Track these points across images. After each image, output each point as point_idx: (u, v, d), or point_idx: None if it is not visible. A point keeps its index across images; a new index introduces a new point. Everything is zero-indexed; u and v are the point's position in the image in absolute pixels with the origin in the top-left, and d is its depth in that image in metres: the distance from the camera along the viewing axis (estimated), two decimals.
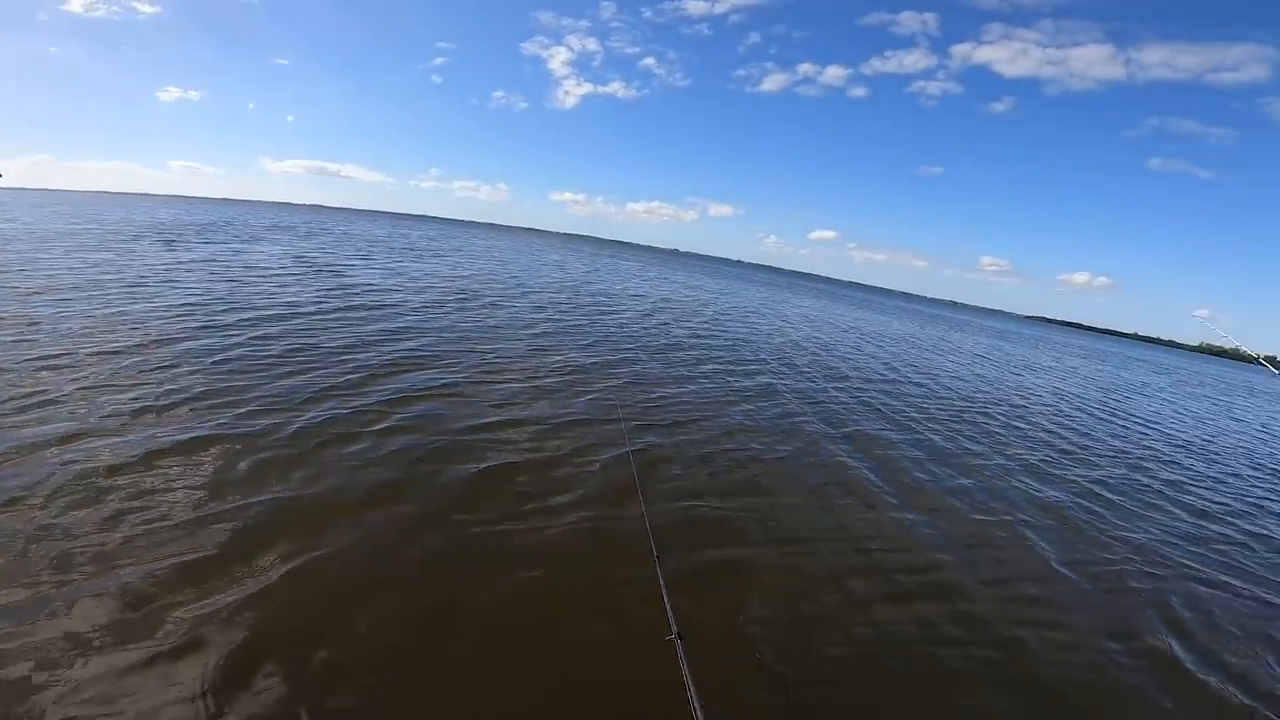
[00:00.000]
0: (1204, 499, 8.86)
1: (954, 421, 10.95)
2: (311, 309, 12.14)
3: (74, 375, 6.82)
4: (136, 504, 4.46)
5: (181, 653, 3.16)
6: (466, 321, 13.05)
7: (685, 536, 5.03)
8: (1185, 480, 9.74)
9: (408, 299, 15.00)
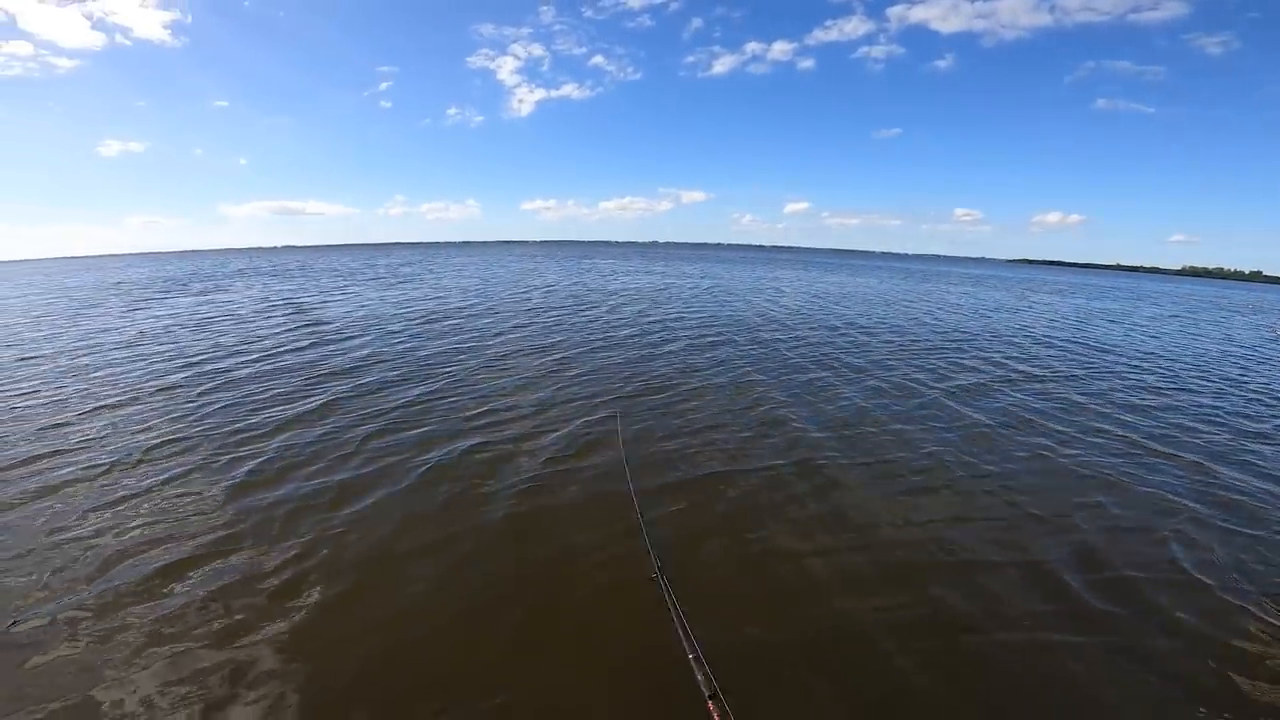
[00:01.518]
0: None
1: (903, 360, 11.47)
2: (292, 344, 12.53)
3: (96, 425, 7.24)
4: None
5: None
6: (441, 340, 13.45)
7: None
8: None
9: (374, 327, 15.37)
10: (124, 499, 5.36)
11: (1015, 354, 13.14)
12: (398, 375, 9.69)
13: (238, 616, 3.75)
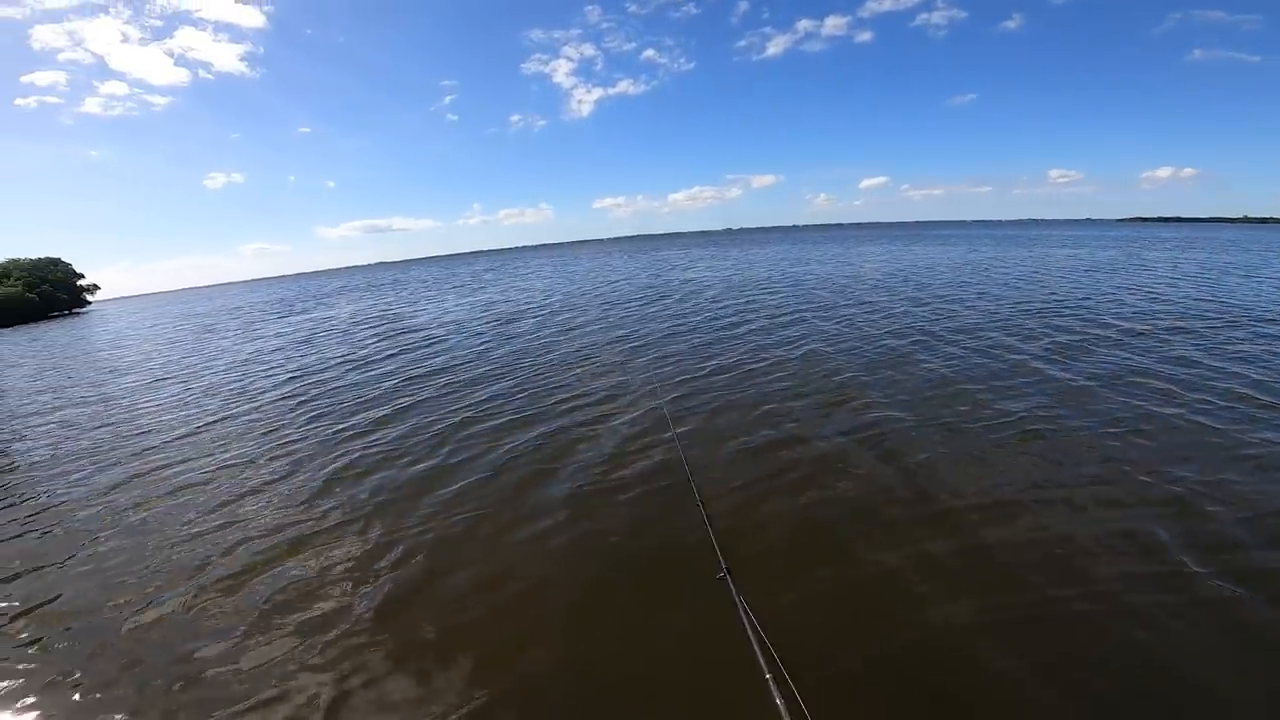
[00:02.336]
0: None
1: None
2: (384, 352, 13.48)
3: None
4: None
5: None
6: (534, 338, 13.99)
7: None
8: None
9: (449, 332, 16.19)
10: (248, 493, 6.01)
11: (1129, 312, 11.96)
12: (478, 374, 10.18)
13: (348, 585, 4.13)
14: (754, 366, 9.18)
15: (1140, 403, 6.65)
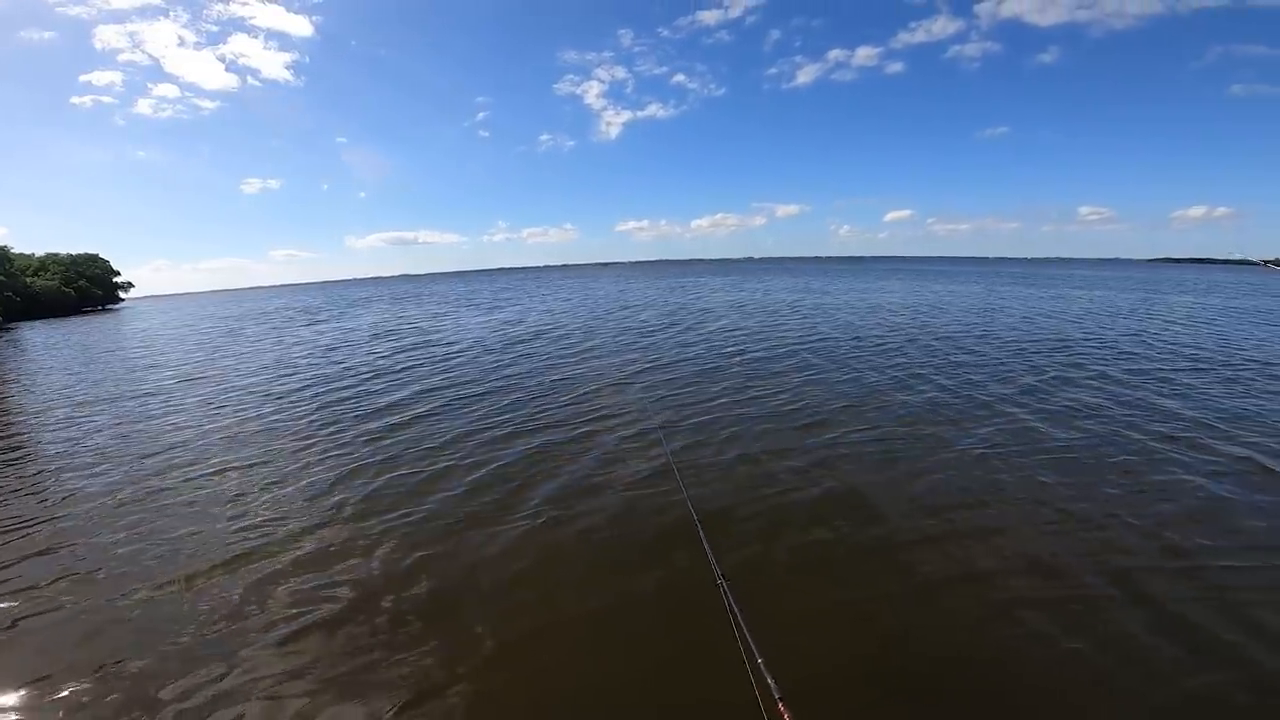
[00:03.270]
0: None
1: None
2: (398, 365, 14.23)
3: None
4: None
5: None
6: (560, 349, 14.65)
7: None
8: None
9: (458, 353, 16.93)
10: (262, 487, 6.66)
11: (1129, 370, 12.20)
12: (482, 391, 10.85)
13: (341, 571, 4.68)
14: (749, 395, 9.76)
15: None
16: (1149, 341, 14.76)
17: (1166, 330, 17.04)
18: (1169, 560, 4.53)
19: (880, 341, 14.80)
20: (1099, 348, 13.68)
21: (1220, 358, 12.44)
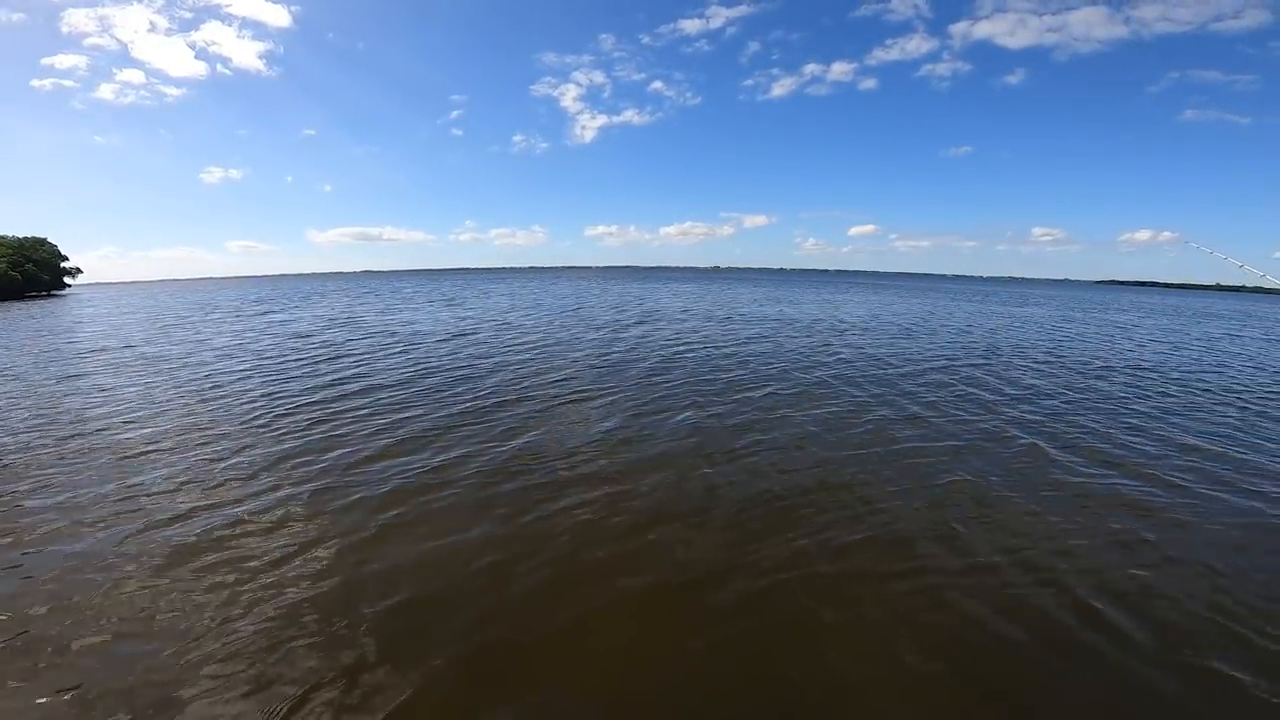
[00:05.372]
0: None
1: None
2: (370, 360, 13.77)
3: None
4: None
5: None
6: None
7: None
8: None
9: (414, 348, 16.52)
10: (202, 470, 6.34)
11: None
12: (413, 393, 10.60)
13: (268, 550, 4.46)
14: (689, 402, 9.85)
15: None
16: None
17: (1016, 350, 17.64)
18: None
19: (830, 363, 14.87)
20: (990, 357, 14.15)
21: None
